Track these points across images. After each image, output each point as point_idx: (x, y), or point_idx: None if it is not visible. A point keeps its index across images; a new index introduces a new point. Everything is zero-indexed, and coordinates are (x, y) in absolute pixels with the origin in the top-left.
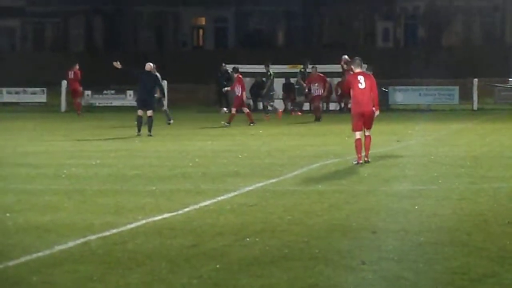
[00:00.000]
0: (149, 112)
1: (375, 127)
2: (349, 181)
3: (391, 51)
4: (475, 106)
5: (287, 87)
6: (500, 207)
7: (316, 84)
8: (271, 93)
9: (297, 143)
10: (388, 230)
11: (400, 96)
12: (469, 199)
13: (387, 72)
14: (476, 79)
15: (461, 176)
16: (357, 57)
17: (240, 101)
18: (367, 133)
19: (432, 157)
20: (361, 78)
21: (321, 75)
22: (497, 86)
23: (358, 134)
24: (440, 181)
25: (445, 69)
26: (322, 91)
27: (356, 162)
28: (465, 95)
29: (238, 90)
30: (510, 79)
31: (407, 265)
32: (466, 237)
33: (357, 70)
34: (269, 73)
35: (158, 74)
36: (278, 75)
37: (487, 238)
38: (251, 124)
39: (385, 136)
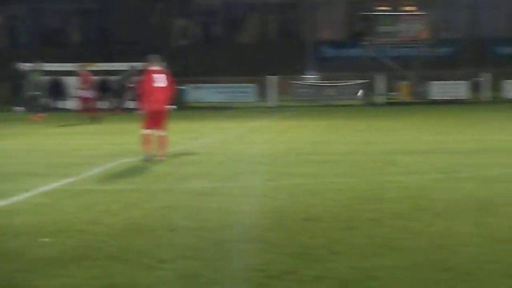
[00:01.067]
0: None
1: (172, 125)
2: (146, 179)
3: (187, 48)
4: (272, 104)
5: (103, 86)
6: (298, 204)
7: (86, 85)
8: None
9: (94, 142)
10: (185, 228)
11: (197, 93)
12: (267, 196)
13: (184, 70)
14: (272, 77)
15: (259, 173)
16: (154, 55)
17: None
18: (162, 133)
19: (229, 155)
20: (158, 76)
21: (89, 74)
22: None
23: (148, 131)
24: (238, 178)
25: (242, 66)
26: (91, 92)
27: (145, 157)
28: (263, 92)
29: None
30: (306, 76)
31: (205, 263)
32: (264, 234)
33: (154, 68)
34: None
35: None
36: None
37: (286, 235)
38: None
39: (181, 134)
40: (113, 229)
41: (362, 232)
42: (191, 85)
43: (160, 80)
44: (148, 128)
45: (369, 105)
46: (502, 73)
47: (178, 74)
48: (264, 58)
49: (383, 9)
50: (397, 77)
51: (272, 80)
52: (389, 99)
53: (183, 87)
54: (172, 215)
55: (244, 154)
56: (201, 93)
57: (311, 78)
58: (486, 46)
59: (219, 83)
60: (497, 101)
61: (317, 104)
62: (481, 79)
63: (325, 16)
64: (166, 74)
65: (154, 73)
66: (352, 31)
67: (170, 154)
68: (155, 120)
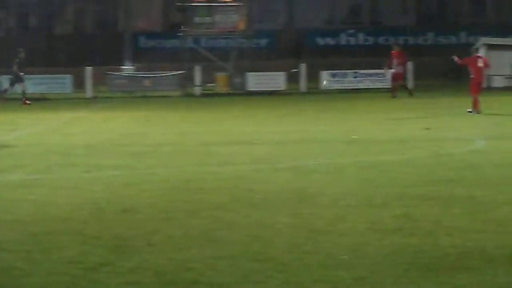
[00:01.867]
0: None
1: None
2: None
3: (2, 39)
4: (89, 95)
5: None
6: (115, 195)
7: None
8: None
9: None
10: (1, 221)
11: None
12: (83, 188)
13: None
14: (89, 67)
15: (75, 165)
16: None
17: None
18: None
19: (46, 147)
20: None
21: None
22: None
23: None
24: (54, 170)
25: (59, 57)
26: None
27: None
28: (80, 84)
29: None
30: (123, 67)
31: (22, 255)
32: (81, 226)
33: None
34: None
35: None
36: None
37: (103, 227)
38: None
39: None
40: None
41: (178, 223)
42: (6, 76)
43: None
44: None
45: (187, 96)
46: (318, 64)
47: None
48: (81, 49)
49: (199, 0)
50: (215, 68)
51: (89, 71)
52: (206, 90)
53: None
54: None
55: (61, 146)
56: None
57: (128, 69)
58: (303, 37)
59: (36, 74)
60: (314, 92)
61: (134, 95)
62: (297, 70)
63: (141, 6)
64: None
65: None
66: (169, 22)
67: None
68: None
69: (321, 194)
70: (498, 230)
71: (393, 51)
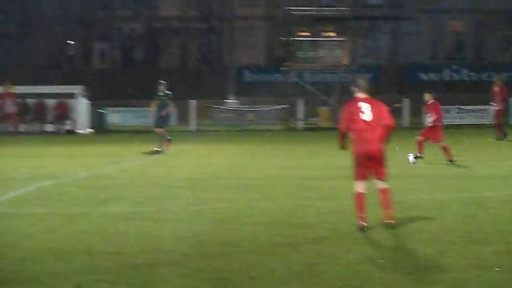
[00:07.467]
0: None
1: (92, 148)
2: (65, 203)
3: (108, 72)
4: (193, 128)
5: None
6: (217, 228)
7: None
8: None
9: (11, 165)
10: (103, 252)
11: (117, 117)
12: (185, 220)
13: (104, 93)
14: (193, 101)
15: (178, 198)
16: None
17: None
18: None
19: (149, 179)
20: (363, 105)
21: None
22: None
23: (360, 185)
24: (157, 202)
25: None
26: None
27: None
28: (184, 117)
29: None
30: (227, 101)
31: (123, 287)
32: (182, 258)
33: (360, 95)
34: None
35: None
36: None
37: (204, 259)
38: None
39: (101, 157)
40: (30, 253)
41: (280, 257)
42: (111, 108)
43: (367, 111)
44: (359, 179)
45: (289, 130)
46: (421, 99)
47: (98, 98)
48: (185, 83)
49: (303, 35)
50: (318, 103)
51: (193, 104)
52: (309, 124)
53: (103, 111)
54: (89, 239)
55: (164, 178)
56: (122, 116)
57: (231, 102)
58: (407, 72)
59: (139, 106)
60: (417, 127)
61: (238, 129)
62: (400, 105)
63: (245, 41)
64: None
65: (360, 101)
66: (272, 56)
67: (89, 177)
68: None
69: (422, 230)
70: None
71: (495, 87)
